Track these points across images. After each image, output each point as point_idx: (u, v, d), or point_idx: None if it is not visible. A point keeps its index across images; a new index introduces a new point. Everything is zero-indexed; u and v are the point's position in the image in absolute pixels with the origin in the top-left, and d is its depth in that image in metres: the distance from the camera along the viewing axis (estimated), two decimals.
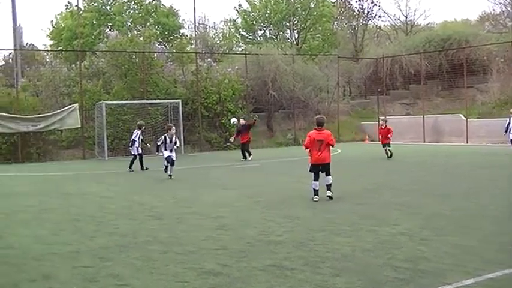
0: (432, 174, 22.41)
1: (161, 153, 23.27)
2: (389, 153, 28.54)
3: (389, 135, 28.76)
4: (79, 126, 36.54)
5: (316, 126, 15.63)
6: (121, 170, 27.01)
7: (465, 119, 42.09)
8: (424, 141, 43.09)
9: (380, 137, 29.68)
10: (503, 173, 21.87)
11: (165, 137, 22.87)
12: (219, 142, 41.29)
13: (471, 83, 46.11)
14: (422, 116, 44.51)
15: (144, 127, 28.36)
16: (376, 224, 11.95)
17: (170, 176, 22.52)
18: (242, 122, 32.49)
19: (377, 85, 51.77)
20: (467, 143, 40.70)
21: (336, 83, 49.31)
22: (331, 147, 15.71)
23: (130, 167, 26.64)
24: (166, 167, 23.12)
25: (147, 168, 26.78)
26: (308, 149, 15.69)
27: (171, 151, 22.76)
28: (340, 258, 9.13)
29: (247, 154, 31.34)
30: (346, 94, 55.51)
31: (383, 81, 51.35)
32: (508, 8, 59.42)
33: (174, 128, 24.01)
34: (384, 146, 28.94)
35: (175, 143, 23.12)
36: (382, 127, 29.37)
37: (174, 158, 22.85)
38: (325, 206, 14.55)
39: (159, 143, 23.29)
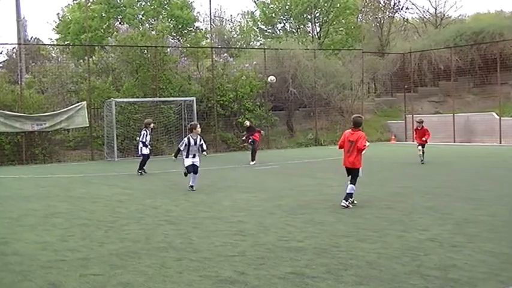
0: (463, 176, 22.34)
1: (174, 159, 20.94)
2: (421, 157, 27.77)
3: (424, 138, 27.94)
4: (87, 125, 36.77)
5: (353, 126, 15.56)
6: (132, 171, 27.04)
7: (498, 117, 41.93)
8: (454, 142, 42.98)
9: (416, 137, 28.67)
10: None
11: (188, 139, 19.91)
12: (235, 142, 41.36)
13: (505, 79, 46.01)
14: (452, 115, 44.37)
15: (152, 125, 27.67)
16: (404, 229, 11.94)
17: (191, 187, 19.75)
18: (247, 123, 32.24)
19: (404, 82, 51.62)
20: (500, 143, 40.57)
21: (360, 79, 49.40)
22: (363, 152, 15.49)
23: (142, 169, 26.60)
24: (186, 173, 20.35)
25: (141, 174, 26.42)
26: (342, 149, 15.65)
27: (193, 156, 19.89)
28: (364, 265, 9.12)
29: (254, 156, 30.82)
30: (371, 91, 55.68)
31: (410, 77, 51.22)
32: None
33: (199, 126, 20.78)
34: (419, 146, 28.07)
35: (201, 145, 20.28)
36: (418, 128, 28.48)
37: (198, 164, 20.02)
38: (350, 210, 14.57)
39: (181, 147, 20.05)
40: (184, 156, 20.03)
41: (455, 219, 12.96)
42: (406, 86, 51.03)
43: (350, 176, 15.35)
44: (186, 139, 20.08)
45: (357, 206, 14.95)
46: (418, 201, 15.80)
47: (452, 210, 14.07)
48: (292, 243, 10.88)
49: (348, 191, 15.13)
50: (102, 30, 55.19)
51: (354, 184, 15.23)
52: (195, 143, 19.91)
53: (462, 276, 8.38)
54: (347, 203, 14.97)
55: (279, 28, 65.27)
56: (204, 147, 20.57)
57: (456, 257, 9.48)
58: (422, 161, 27.57)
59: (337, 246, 10.54)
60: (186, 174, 20.38)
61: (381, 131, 48.07)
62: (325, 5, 61.40)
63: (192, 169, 19.78)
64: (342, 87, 48.82)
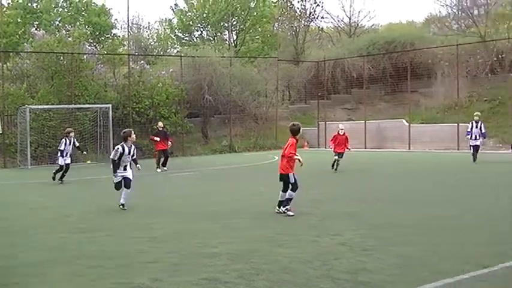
0: (376, 182, 22.71)
1: (117, 176, 16.74)
2: (335, 166, 26.56)
3: (347, 145, 26.75)
4: (0, 132, 35.92)
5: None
6: (46, 179, 26.38)
7: (408, 124, 42.93)
8: (366, 148, 43.58)
9: (334, 144, 26.78)
10: (450, 179, 22.42)
11: (122, 147, 16.72)
12: (151, 149, 41.10)
13: (415, 87, 47.15)
14: (364, 122, 45.07)
15: (72, 134, 25.89)
16: (318, 234, 12.02)
17: (122, 205, 16.49)
18: (160, 124, 31.96)
19: (318, 89, 52.36)
20: (409, 149, 41.50)
21: (275, 87, 49.68)
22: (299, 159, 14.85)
23: (60, 179, 25.68)
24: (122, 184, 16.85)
25: (61, 182, 25.06)
26: None
27: (124, 168, 16.77)
28: (276, 270, 9.14)
29: (160, 164, 30.31)
30: (285, 98, 56.08)
31: (324, 85, 52.03)
32: (454, 10, 60.77)
33: (133, 133, 17.47)
34: (336, 155, 26.54)
35: (133, 155, 17.05)
36: (340, 133, 26.84)
37: (130, 177, 16.85)
38: (267, 216, 14.59)
39: (115, 158, 16.58)
40: (118, 168, 16.77)
41: (369, 223, 13.14)
42: (319, 94, 51.72)
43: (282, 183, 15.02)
44: (120, 147, 16.80)
45: (274, 213, 14.86)
46: (334, 207, 15.93)
47: (366, 215, 14.28)
48: (207, 249, 10.81)
49: (280, 198, 14.86)
50: (17, 36, 54.02)
51: (285, 192, 14.80)
52: (129, 152, 16.78)
53: (372, 279, 8.47)
54: (283, 209, 14.66)
55: (196, 36, 65.10)
56: (135, 156, 17.24)
57: (366, 261, 9.58)
58: (335, 170, 26.47)
59: (252, 251, 10.54)
60: (117, 188, 16.99)
61: None
62: (242, 13, 61.52)
63: (124, 183, 16.66)
64: (257, 95, 49.13)
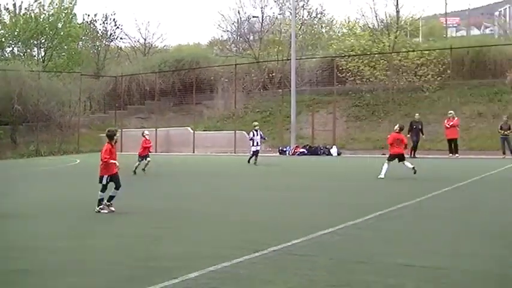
0: (168, 182, 23.09)
1: None
2: (143, 167, 25.45)
3: (150, 148, 26.18)
4: None
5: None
6: None
7: (193, 131, 43.85)
8: (156, 152, 43.79)
9: (143, 148, 25.81)
10: (230, 179, 23.33)
11: None
12: None
13: (199, 99, 48.36)
14: (155, 129, 45.24)
15: None
16: (119, 228, 12.06)
17: None
18: None
19: (115, 101, 52.26)
20: (194, 152, 42.42)
21: (77, 98, 49.06)
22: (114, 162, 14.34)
23: None
24: None
25: None
26: None
27: None
28: (74, 260, 8.94)
29: None
30: (87, 109, 55.31)
31: (121, 97, 52.10)
32: (234, 36, 63.37)
33: None
34: (144, 158, 25.56)
35: None
36: (147, 138, 26.14)
37: None
38: (80, 213, 14.19)
39: None
40: None
41: (163, 216, 13.43)
42: (117, 105, 51.61)
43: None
44: None
45: (85, 210, 14.55)
46: (134, 203, 15.44)
47: (161, 210, 14.44)
48: (24, 243, 10.44)
49: (110, 194, 14.05)
50: None
51: (117, 189, 14.11)
52: None
53: (160, 265, 8.47)
54: (97, 208, 13.91)
55: (7, 51, 62.64)
56: None
57: (158, 249, 9.63)
58: (135, 172, 25.16)
59: (49, 245, 10.24)
60: None
61: (95, 143, 47.59)
62: (51, 32, 59.64)
63: None
64: (61, 105, 48.49)
